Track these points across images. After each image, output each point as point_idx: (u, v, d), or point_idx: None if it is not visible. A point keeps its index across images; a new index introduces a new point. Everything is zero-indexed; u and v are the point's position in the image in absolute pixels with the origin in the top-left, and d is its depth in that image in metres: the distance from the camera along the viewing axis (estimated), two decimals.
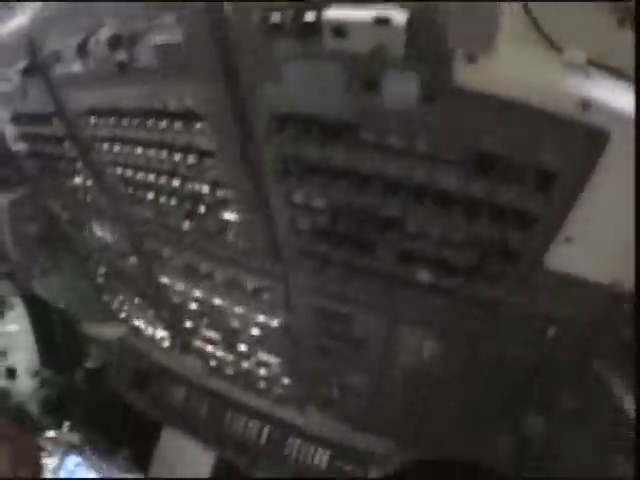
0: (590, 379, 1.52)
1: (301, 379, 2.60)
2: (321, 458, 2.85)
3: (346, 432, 2.79)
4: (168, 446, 3.49)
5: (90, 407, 3.41)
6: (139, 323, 3.34)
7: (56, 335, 2.50)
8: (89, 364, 3.44)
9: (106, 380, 3.58)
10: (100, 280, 3.27)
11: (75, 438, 3.74)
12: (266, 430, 2.99)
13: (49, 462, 3.88)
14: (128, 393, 3.51)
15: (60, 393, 2.70)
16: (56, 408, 2.73)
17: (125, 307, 3.33)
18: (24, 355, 2.41)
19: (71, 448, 3.86)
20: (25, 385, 2.40)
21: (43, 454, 3.92)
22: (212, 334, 2.73)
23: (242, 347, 2.62)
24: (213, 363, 2.97)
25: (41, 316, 2.57)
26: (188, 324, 2.80)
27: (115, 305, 3.43)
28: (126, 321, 3.50)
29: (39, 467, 2.60)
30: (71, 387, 2.65)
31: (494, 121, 1.13)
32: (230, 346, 2.69)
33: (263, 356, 2.58)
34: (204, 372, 3.17)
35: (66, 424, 3.72)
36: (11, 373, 2.37)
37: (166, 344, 3.26)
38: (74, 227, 2.95)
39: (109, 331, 3.66)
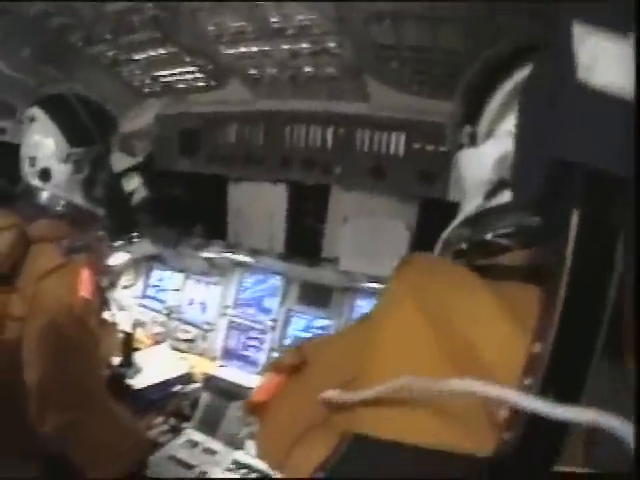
0: None
1: (347, 27, 2.42)
2: (397, 144, 2.70)
3: (416, 107, 2.61)
4: (239, 200, 3.46)
5: (149, 202, 3.45)
6: (167, 78, 3.25)
7: (78, 113, 2.45)
8: (137, 159, 3.44)
9: (157, 164, 3.63)
10: (111, 53, 3.20)
11: (148, 246, 3.86)
12: (331, 129, 2.82)
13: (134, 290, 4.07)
14: (180, 163, 3.51)
15: (105, 185, 2.67)
16: (107, 196, 2.71)
17: (150, 68, 3.28)
18: (53, 151, 2.33)
19: (150, 262, 3.99)
20: (61, 175, 2.35)
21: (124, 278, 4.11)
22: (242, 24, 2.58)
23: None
24: (252, 68, 2.82)
25: (59, 101, 2.53)
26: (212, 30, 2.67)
27: (137, 77, 3.38)
28: (156, 90, 3.46)
29: (101, 255, 2.59)
30: (106, 163, 2.61)
31: None
32: (267, 34, 2.55)
33: (298, 17, 2.41)
34: (250, 97, 3.02)
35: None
36: (45, 173, 2.35)
37: (201, 83, 3.17)
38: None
39: (145, 115, 3.65)
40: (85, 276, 2.29)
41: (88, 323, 2.25)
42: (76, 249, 2.28)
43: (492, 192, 1.09)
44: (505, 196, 1.05)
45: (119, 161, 2.83)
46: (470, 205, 1.15)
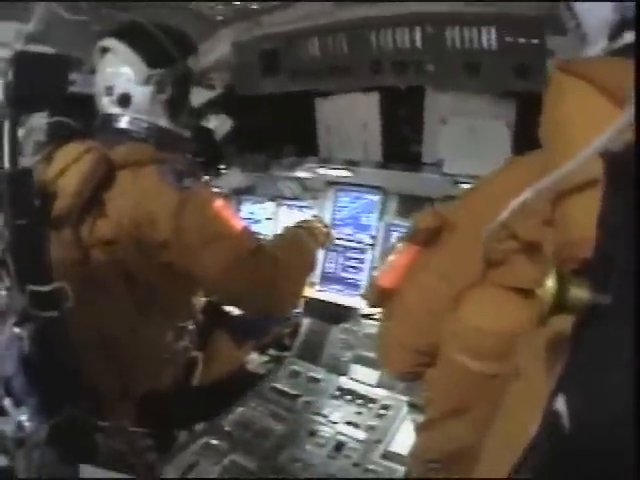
0: None
1: None
2: (489, 39, 2.61)
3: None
4: (328, 114, 3.58)
5: (235, 132, 3.60)
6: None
7: (155, 35, 2.48)
8: (217, 92, 3.55)
9: (238, 91, 3.73)
10: None
11: (237, 176, 3.98)
12: (418, 29, 2.81)
13: None
14: (263, 86, 3.58)
15: (189, 110, 2.77)
16: (192, 123, 2.82)
17: None
18: (131, 76, 2.43)
19: (239, 195, 4.13)
20: (142, 98, 2.46)
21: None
22: None
23: None
24: None
25: (133, 28, 2.56)
26: None
27: (207, 5, 3.38)
28: (230, 16, 3.49)
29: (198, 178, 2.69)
30: (188, 84, 2.71)
31: None
32: None
33: None
34: (328, 7, 3.06)
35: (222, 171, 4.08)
36: (124, 98, 2.44)
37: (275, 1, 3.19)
38: None
39: (219, 46, 3.69)
40: (223, 206, 2.46)
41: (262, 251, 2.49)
42: (183, 174, 2.39)
43: (616, 32, 1.13)
44: (628, 36, 1.08)
45: (199, 96, 2.94)
46: (594, 49, 1.19)
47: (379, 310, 1.57)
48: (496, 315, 1.12)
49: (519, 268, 1.06)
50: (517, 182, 1.04)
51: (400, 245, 1.42)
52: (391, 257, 1.44)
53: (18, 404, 2.16)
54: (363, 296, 3.07)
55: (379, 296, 1.46)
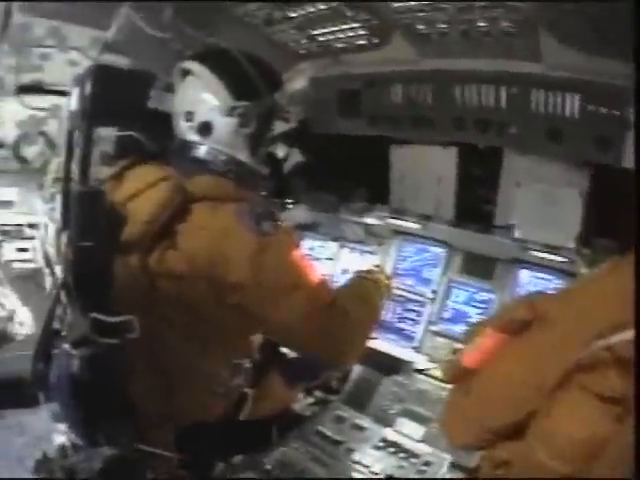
0: None
1: None
2: (572, 106, 2.67)
3: (591, 68, 2.57)
4: (402, 163, 3.59)
5: (305, 167, 3.65)
6: (325, 37, 3.32)
7: (242, 65, 2.41)
8: (291, 125, 3.61)
9: (313, 128, 3.81)
10: (263, 12, 3.24)
11: (303, 213, 4.01)
12: (504, 89, 2.86)
13: None
14: (340, 126, 3.64)
15: (270, 145, 2.80)
16: (269, 157, 2.85)
17: (307, 26, 3.31)
18: (215, 105, 2.36)
19: (299, 230, 4.05)
20: (224, 129, 2.38)
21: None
22: None
23: None
24: (421, 24, 2.84)
25: (219, 54, 2.51)
26: None
27: (292, 37, 3.48)
28: (313, 51, 3.59)
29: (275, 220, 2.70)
30: (272, 120, 2.73)
31: None
32: None
33: None
34: (415, 55, 3.09)
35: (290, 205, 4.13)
36: (206, 127, 2.36)
37: (361, 41, 3.22)
38: None
39: (298, 79, 3.80)
40: (302, 255, 2.46)
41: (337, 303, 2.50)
42: (262, 216, 2.33)
43: None
44: None
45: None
46: None
47: (450, 381, 1.65)
48: (586, 422, 1.15)
49: (609, 378, 1.10)
50: (616, 287, 1.13)
51: (486, 327, 1.49)
52: (477, 338, 1.49)
53: (49, 399, 2.23)
54: (441, 369, 3.09)
55: (459, 373, 1.52)
